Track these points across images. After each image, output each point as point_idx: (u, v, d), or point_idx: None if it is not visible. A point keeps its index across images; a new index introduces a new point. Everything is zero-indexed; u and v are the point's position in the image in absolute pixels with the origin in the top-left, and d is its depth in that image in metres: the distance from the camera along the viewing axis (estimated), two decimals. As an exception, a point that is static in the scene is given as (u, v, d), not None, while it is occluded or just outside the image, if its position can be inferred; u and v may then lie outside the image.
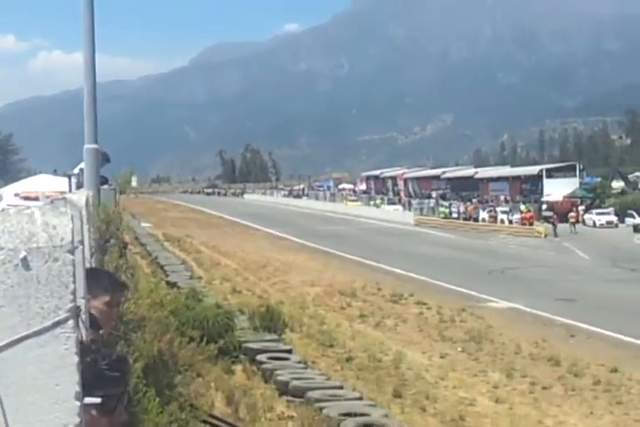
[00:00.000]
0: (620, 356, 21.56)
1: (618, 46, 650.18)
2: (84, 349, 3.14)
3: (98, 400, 3.52)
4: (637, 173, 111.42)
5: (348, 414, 13.12)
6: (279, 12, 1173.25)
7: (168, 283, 25.02)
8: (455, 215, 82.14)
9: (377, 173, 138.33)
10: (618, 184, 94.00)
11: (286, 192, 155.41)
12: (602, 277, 38.64)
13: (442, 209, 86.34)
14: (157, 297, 12.14)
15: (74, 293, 3.16)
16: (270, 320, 20.70)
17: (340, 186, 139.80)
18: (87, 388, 3.12)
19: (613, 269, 41.96)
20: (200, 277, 31.07)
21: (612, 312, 27.84)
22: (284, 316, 22.19)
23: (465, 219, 78.92)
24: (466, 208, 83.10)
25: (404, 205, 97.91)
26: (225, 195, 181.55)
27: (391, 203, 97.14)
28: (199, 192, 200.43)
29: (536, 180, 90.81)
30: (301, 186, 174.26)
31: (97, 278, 4.47)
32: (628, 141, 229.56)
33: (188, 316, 16.29)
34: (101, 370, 3.60)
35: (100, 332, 4.78)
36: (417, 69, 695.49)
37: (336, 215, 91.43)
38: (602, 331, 24.76)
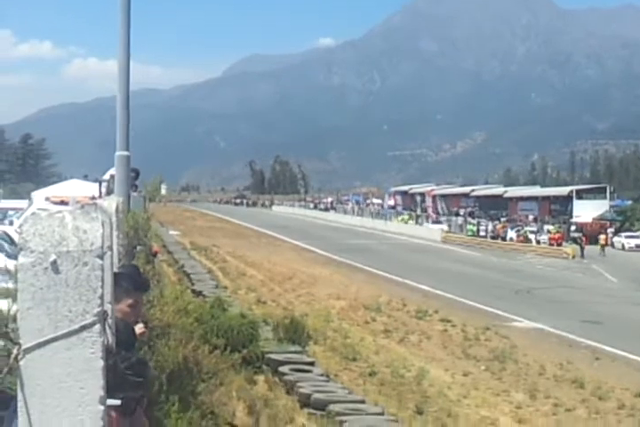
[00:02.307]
0: (645, 381, 21.33)
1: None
2: (105, 351, 3.15)
3: (118, 402, 3.52)
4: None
5: (370, 429, 13.05)
6: (314, 26, 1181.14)
7: (194, 291, 25.08)
8: (483, 233, 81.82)
9: (406, 188, 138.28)
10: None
11: (315, 205, 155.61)
12: (629, 300, 38.31)
13: (470, 227, 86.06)
14: (182, 304, 12.16)
15: (101, 297, 3.15)
16: (294, 332, 20.62)
17: (368, 200, 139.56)
18: (107, 390, 3.12)
19: (641, 292, 41.63)
20: (226, 287, 31.09)
21: (638, 336, 27.58)
22: (308, 328, 22.12)
23: (493, 237, 78.60)
24: (494, 227, 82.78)
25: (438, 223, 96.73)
26: (254, 205, 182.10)
27: (435, 222, 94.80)
28: (227, 202, 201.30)
29: (566, 201, 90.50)
30: (329, 199, 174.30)
31: (119, 282, 4.50)
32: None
33: (213, 324, 16.28)
34: (122, 372, 3.60)
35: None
36: (449, 86, 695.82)
37: (363, 229, 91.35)
38: (627, 355, 24.51)
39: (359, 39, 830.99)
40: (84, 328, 3.09)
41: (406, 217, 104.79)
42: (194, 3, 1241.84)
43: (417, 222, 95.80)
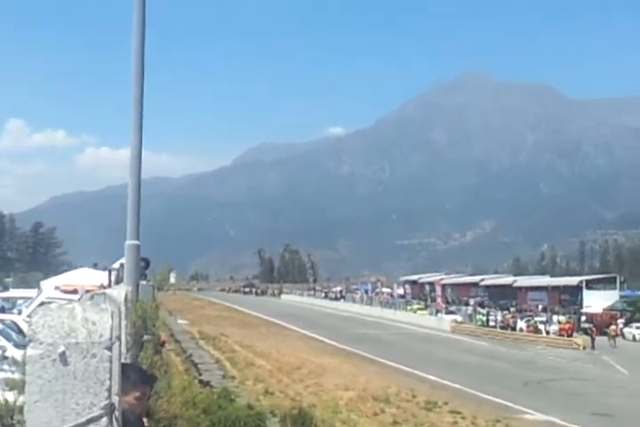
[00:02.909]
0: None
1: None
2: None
3: None
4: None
5: None
6: (324, 116, 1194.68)
7: (201, 382, 24.88)
8: (492, 323, 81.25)
9: (415, 277, 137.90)
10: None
11: (326, 294, 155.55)
12: (641, 392, 37.90)
13: (479, 317, 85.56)
14: (190, 395, 12.07)
15: (109, 389, 3.18)
16: (302, 424, 20.41)
17: (377, 289, 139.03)
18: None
19: (653, 384, 41.15)
20: (233, 377, 30.86)
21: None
22: (315, 420, 21.87)
23: (502, 328, 78.03)
24: (504, 317, 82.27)
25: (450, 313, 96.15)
26: (263, 294, 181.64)
27: (449, 312, 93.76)
28: (237, 291, 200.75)
29: (575, 290, 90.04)
30: (338, 288, 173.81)
31: (127, 374, 4.50)
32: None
33: (220, 416, 16.13)
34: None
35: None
36: (458, 176, 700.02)
37: (372, 319, 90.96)
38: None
39: (369, 128, 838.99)
40: (90, 421, 3.11)
41: (416, 307, 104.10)
42: (203, 92, 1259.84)
43: (432, 313, 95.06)
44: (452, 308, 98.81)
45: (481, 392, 34.65)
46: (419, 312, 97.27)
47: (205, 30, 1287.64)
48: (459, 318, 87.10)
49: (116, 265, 18.71)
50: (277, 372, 37.42)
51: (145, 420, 5.43)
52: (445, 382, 37.86)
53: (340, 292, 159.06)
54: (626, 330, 73.85)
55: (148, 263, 17.13)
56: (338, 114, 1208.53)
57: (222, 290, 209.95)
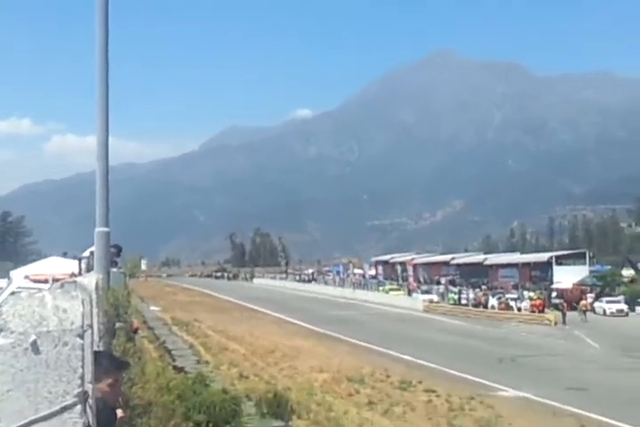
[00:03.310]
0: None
1: (625, 135, 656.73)
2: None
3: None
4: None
5: None
6: (291, 98, 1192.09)
7: (175, 367, 24.82)
8: (464, 302, 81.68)
9: (386, 258, 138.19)
10: (628, 272, 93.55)
11: (299, 276, 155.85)
12: (613, 366, 38.23)
13: (451, 295, 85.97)
14: (164, 382, 12.06)
15: (82, 377, 3.17)
16: (277, 406, 20.42)
17: (349, 271, 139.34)
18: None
19: (624, 358, 41.51)
20: (207, 362, 30.85)
21: (623, 402, 27.46)
22: (291, 402, 21.90)
23: (474, 305, 78.41)
24: (475, 294, 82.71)
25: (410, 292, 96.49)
26: (235, 278, 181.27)
27: (425, 292, 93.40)
28: (209, 276, 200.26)
29: (546, 267, 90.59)
30: (310, 270, 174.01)
31: (99, 361, 4.49)
32: (638, 229, 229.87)
33: (195, 401, 16.12)
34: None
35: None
36: (427, 155, 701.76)
37: (344, 300, 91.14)
38: (613, 422, 24.40)
39: (336, 109, 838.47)
40: (64, 409, 3.11)
41: (389, 287, 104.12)
42: (170, 78, 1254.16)
43: (408, 294, 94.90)
44: (425, 287, 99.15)
45: (455, 370, 34.84)
46: (393, 293, 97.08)
47: (171, 15, 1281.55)
48: (435, 297, 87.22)
49: (86, 253, 18.59)
50: (251, 356, 37.47)
51: (119, 411, 5.42)
52: (419, 361, 38.02)
53: (312, 274, 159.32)
54: (596, 304, 74.39)
55: (119, 250, 17.06)
56: (304, 95, 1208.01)
57: (193, 275, 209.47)
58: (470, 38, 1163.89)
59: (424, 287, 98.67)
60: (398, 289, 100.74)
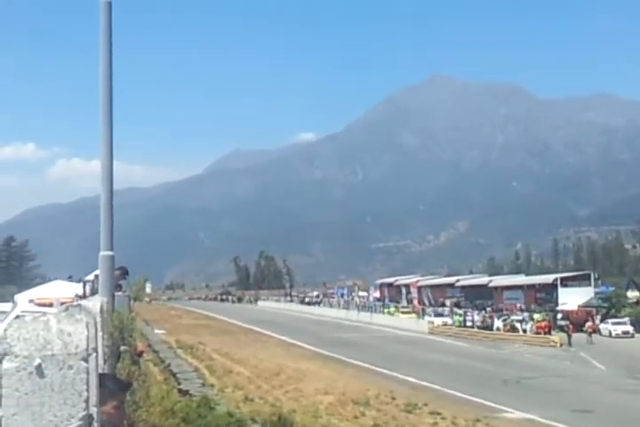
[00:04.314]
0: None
1: (629, 156, 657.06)
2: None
3: None
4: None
5: None
6: (295, 122, 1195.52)
7: (180, 391, 24.78)
8: (469, 324, 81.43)
9: (391, 280, 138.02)
10: (633, 294, 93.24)
11: (303, 299, 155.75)
12: (618, 387, 38.09)
13: (456, 317, 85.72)
14: (169, 405, 12.04)
15: (87, 401, 3.18)
16: (282, 430, 20.39)
17: (354, 293, 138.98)
18: None
19: (629, 379, 41.36)
20: (212, 385, 30.77)
21: (629, 424, 27.35)
22: (296, 425, 21.86)
23: (479, 327, 78.20)
24: (483, 316, 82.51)
25: (420, 314, 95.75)
26: (240, 301, 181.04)
27: (439, 315, 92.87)
28: (214, 299, 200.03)
29: (551, 288, 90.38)
30: (315, 293, 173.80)
31: (103, 383, 4.50)
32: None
33: (200, 424, 16.09)
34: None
35: None
36: (430, 177, 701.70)
37: (349, 323, 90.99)
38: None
39: (340, 133, 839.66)
40: (69, 433, 3.11)
41: (402, 310, 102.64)
42: (172, 102, 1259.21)
43: (420, 317, 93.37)
44: (429, 309, 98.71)
45: (460, 392, 34.73)
46: (404, 315, 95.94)
47: (174, 39, 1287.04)
48: (449, 320, 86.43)
49: (91, 277, 18.60)
50: (256, 378, 37.36)
51: None
52: (425, 383, 37.92)
53: (317, 296, 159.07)
54: (602, 326, 74.13)
55: (126, 272, 17.05)
56: (308, 119, 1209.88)
57: (192, 298, 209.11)
58: (473, 62, 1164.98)
59: (429, 310, 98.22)
60: (410, 312, 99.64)
